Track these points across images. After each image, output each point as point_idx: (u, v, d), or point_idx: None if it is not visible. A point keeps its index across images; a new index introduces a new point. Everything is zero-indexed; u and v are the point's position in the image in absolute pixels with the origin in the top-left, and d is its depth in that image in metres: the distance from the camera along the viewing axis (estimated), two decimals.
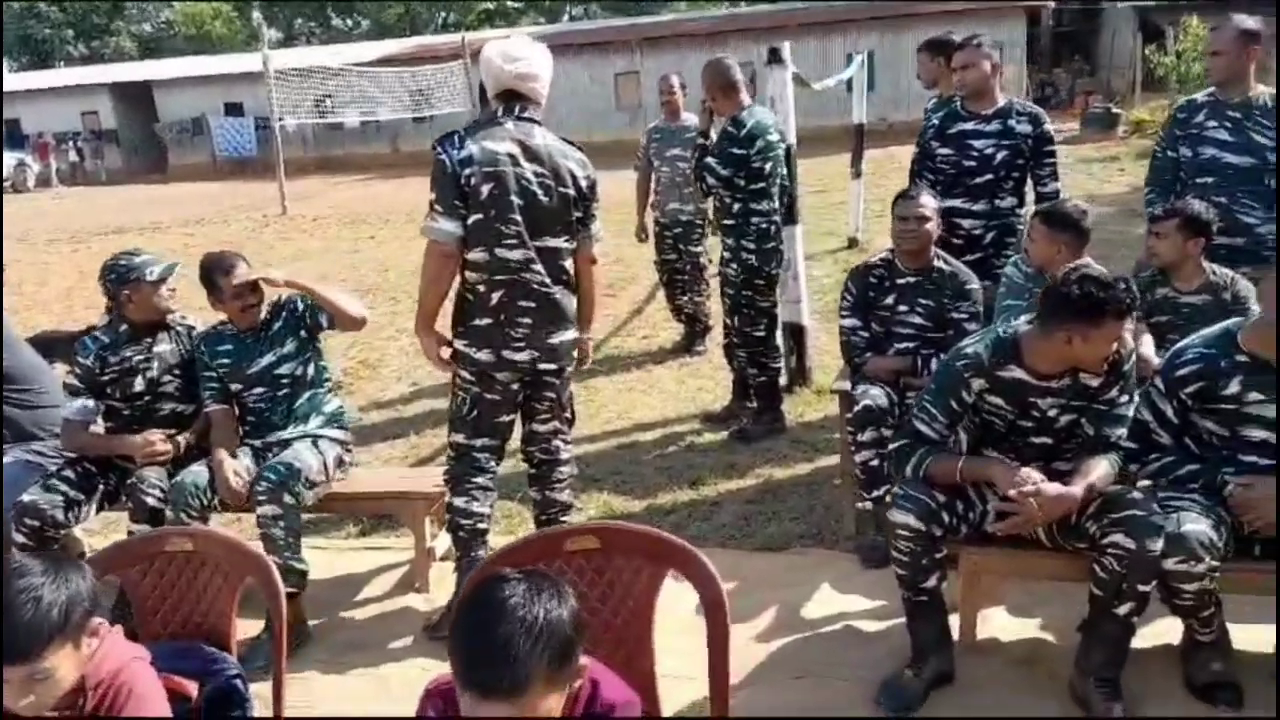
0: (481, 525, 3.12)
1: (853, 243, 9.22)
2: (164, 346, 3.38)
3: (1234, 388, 2.52)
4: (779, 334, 4.90)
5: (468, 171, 2.84)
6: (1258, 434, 2.53)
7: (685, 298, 6.28)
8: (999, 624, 3.00)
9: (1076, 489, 2.43)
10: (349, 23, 48.22)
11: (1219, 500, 2.51)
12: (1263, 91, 3.63)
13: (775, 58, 4.74)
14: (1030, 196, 4.08)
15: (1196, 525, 2.37)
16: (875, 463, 3.33)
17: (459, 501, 3.10)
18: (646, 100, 23.55)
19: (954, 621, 2.78)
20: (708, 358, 6.12)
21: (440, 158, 2.88)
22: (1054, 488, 2.42)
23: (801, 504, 3.98)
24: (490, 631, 1.44)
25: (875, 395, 3.38)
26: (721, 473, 4.36)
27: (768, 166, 4.47)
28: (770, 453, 4.54)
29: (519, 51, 2.94)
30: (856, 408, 3.40)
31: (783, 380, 5.05)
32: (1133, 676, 2.58)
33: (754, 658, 2.92)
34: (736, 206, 4.52)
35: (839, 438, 3.89)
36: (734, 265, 4.61)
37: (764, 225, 4.54)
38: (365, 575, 3.65)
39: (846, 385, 3.63)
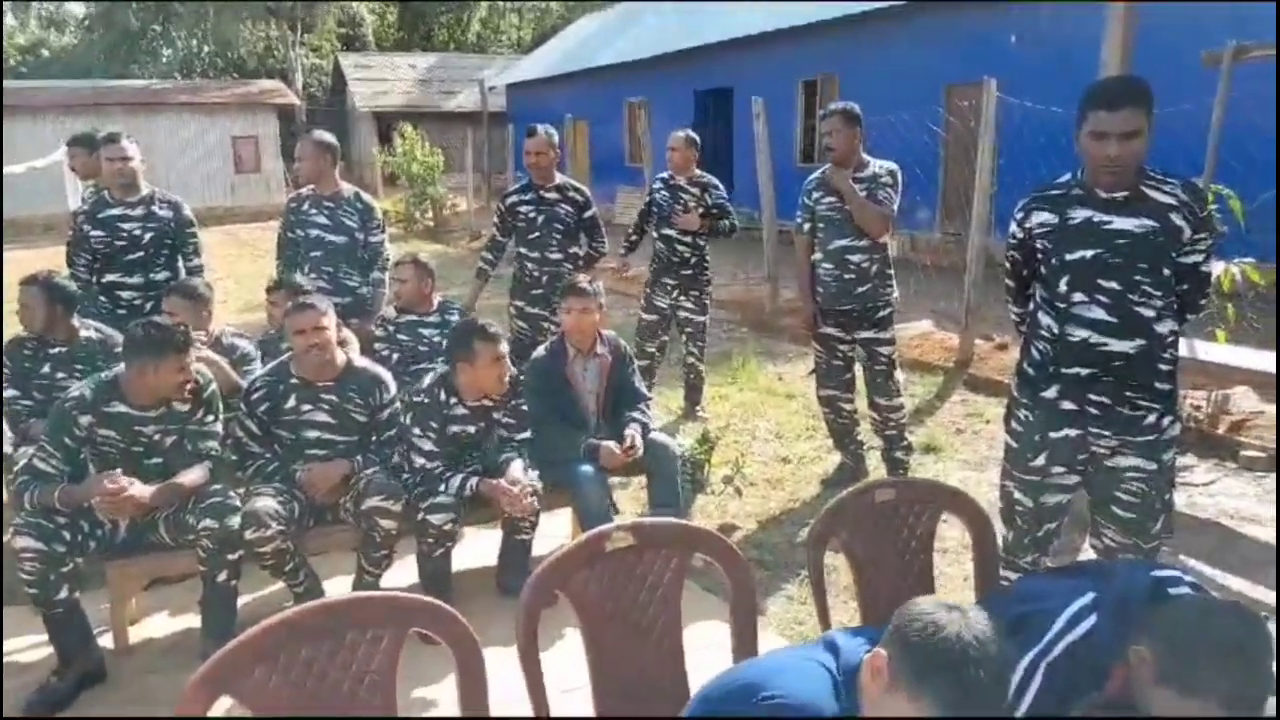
0: None
1: None
2: None
3: (291, 403, 3.48)
4: None
5: None
6: (313, 434, 3.51)
7: None
8: (157, 622, 3.56)
9: (149, 489, 3.10)
10: None
11: (294, 484, 3.42)
12: (345, 187, 4.84)
13: None
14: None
15: (265, 502, 3.23)
16: None
17: None
18: None
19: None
20: None
21: None
22: (136, 491, 3.04)
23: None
24: None
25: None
26: None
27: None
28: None
29: None
30: (19, 465, 3.67)
31: None
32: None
33: None
34: None
35: None
36: None
37: None
38: None
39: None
